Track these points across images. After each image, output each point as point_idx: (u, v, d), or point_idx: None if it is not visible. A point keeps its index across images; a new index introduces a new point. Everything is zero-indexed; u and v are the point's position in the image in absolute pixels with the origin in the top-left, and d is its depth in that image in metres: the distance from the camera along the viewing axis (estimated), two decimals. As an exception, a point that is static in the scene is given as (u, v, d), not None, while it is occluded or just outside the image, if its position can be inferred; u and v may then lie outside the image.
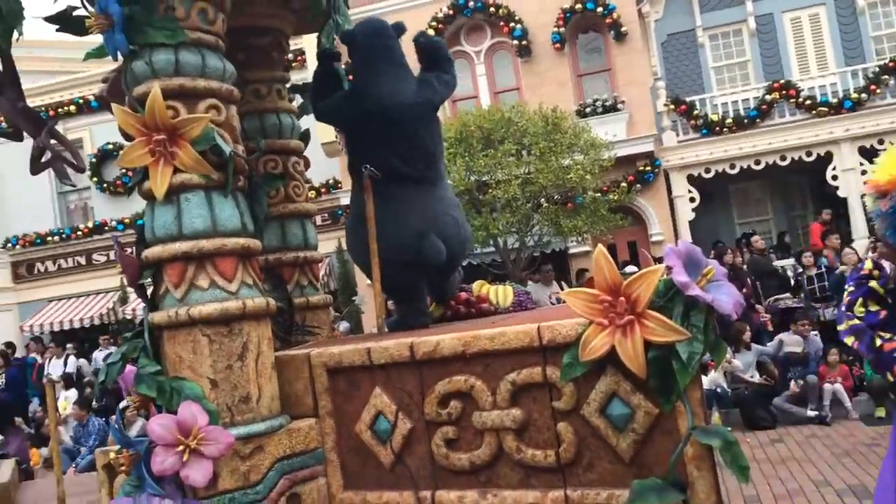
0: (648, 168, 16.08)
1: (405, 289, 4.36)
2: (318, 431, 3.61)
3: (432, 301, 4.64)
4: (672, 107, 16.65)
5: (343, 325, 10.30)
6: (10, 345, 14.70)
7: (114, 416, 9.79)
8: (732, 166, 16.54)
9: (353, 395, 3.56)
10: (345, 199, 16.26)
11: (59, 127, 18.84)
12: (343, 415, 3.58)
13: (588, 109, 16.26)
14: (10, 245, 19.01)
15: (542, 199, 12.84)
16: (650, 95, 16.68)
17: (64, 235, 18.90)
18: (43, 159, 4.40)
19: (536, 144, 12.54)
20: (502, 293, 4.73)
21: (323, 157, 15.22)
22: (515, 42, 16.60)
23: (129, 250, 3.80)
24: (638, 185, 15.65)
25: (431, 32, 16.71)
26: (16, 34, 3.87)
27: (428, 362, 3.33)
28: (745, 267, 11.83)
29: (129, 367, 3.56)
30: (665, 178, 16.46)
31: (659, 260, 3.89)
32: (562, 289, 9.97)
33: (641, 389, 2.87)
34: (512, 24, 16.55)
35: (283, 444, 3.48)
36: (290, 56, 5.34)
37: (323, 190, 17.47)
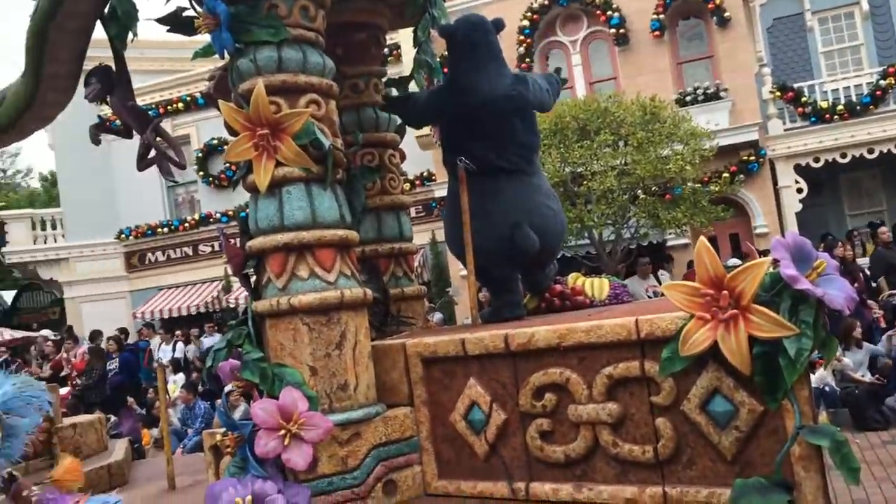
0: (753, 158, 15.47)
1: (499, 280, 4.36)
2: (414, 420, 3.66)
3: (527, 293, 4.62)
4: (778, 94, 15.96)
5: (437, 316, 10.39)
6: (123, 330, 15.54)
7: (219, 400, 10.21)
8: (843, 155, 15.73)
9: (447, 384, 3.59)
10: (439, 192, 16.37)
11: (168, 124, 19.74)
12: (437, 404, 3.62)
13: (688, 98, 15.78)
14: (123, 236, 20.06)
15: (640, 191, 12.55)
16: (755, 82, 16.04)
17: (172, 227, 19.80)
18: (149, 156, 4.61)
19: (634, 135, 12.27)
20: (598, 286, 4.66)
21: (417, 149, 15.37)
22: (612, 30, 16.28)
23: (234, 241, 3.95)
24: (741, 176, 15.07)
25: (526, 24, 16.60)
26: (130, 35, 4.06)
27: (522, 354, 3.32)
28: (867, 259, 11.21)
29: (225, 362, 3.68)
30: (770, 168, 15.81)
31: (764, 253, 3.75)
32: (659, 282, 9.74)
33: (745, 386, 2.78)
34: (609, 13, 16.23)
35: (379, 431, 3.55)
36: (386, 51, 5.41)
37: (417, 182, 17.65)
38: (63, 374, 13.00)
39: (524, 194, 4.24)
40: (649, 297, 8.79)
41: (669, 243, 15.22)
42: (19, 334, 19.25)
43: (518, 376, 3.34)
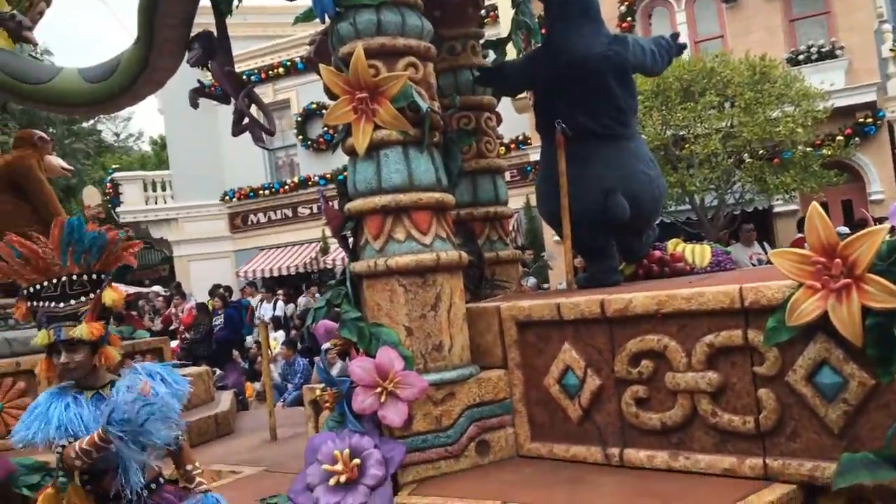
0: (870, 120, 14.57)
1: (594, 246, 4.30)
2: (507, 382, 3.68)
3: (623, 259, 4.55)
4: (899, 52, 14.96)
5: (531, 281, 10.35)
6: (227, 288, 16.22)
7: (317, 357, 10.53)
8: (970, 117, 14.65)
9: (541, 348, 3.58)
10: (534, 156, 16.20)
11: (269, 88, 20.24)
12: (531, 367, 3.62)
13: (801, 57, 14.96)
14: (227, 198, 20.82)
15: (746, 154, 12.06)
16: (874, 40, 15.05)
17: (273, 189, 20.40)
18: (243, 122, 4.72)
19: (741, 96, 11.76)
20: (699, 252, 4.53)
21: (513, 112, 15.21)
22: (719, -13, 15.58)
23: (333, 203, 4.03)
24: (856, 139, 14.24)
25: (628, -19, 16.06)
26: (235, 1, 4.16)
27: (619, 320, 3.27)
28: None
29: (321, 321, 3.78)
30: (889, 131, 14.87)
31: (880, 220, 3.54)
32: (764, 250, 9.38)
33: (856, 358, 2.66)
34: (716, -32, 15.54)
35: (473, 392, 3.59)
36: (483, 12, 5.35)
37: (512, 146, 17.50)
38: (172, 328, 13.70)
39: (619, 160, 4.15)
40: (753, 265, 8.48)
41: (776, 209, 14.61)
42: (132, 290, 20.39)
43: (614, 342, 3.30)
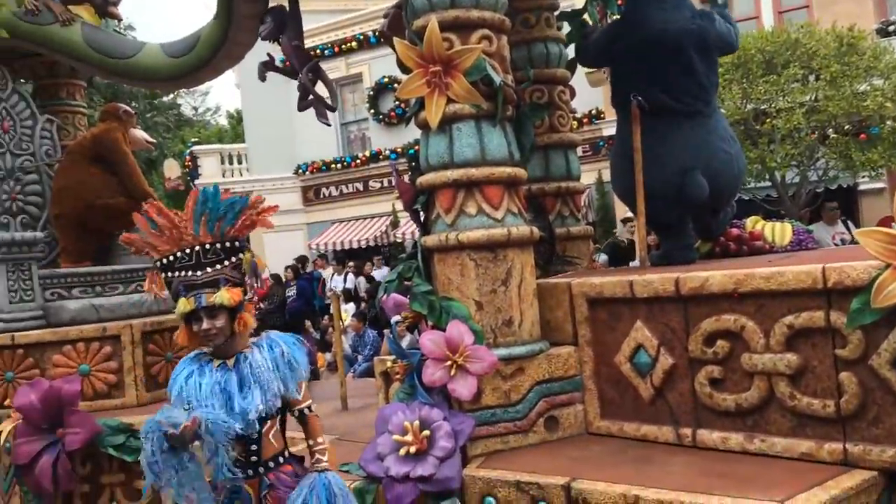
0: (964, 94, 13.81)
1: (670, 224, 4.21)
2: (577, 359, 3.66)
3: (699, 237, 4.44)
4: None
5: (602, 258, 10.23)
6: (301, 259, 16.59)
7: (387, 329, 10.68)
8: None
9: (612, 326, 3.54)
10: (607, 130, 15.94)
11: (342, 62, 20.40)
12: (602, 345, 3.59)
13: (892, 28, 14.23)
14: (300, 171, 21.18)
15: (830, 130, 11.58)
16: (975, 8, 14.21)
17: (345, 163, 20.64)
18: (308, 98, 4.76)
19: (827, 68, 11.26)
20: (779, 231, 4.39)
21: (586, 86, 14.96)
22: (806, -47, 14.90)
23: (404, 177, 4.05)
24: (949, 114, 13.52)
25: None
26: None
27: (694, 299, 3.21)
28: None
29: (390, 295, 3.81)
30: None
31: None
32: (848, 230, 9.02)
33: (946, 343, 2.55)
34: (803, -67, 14.85)
35: (542, 368, 3.58)
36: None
37: (585, 120, 17.23)
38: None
39: (698, 137, 4.04)
40: (836, 245, 8.18)
41: (862, 187, 14.02)
42: (210, 260, 20.91)
43: (688, 321, 3.23)
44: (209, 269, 2.64)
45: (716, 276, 3.13)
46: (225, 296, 2.61)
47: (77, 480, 4.74)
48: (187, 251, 2.64)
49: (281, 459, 2.76)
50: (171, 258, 2.65)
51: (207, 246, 2.65)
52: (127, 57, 5.70)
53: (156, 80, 5.94)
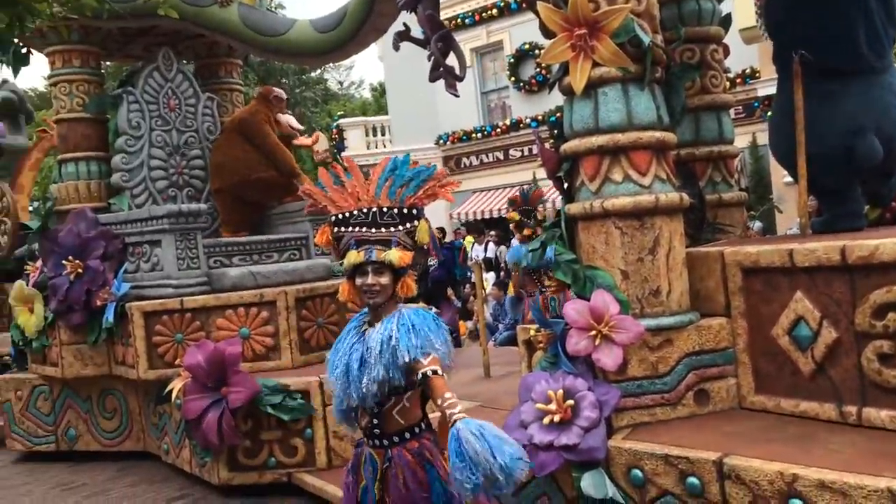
0: None
1: (836, 189, 3.92)
2: (730, 331, 3.50)
3: (867, 203, 4.12)
4: None
5: (756, 225, 9.71)
6: (441, 230, 16.84)
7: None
8: None
9: (769, 297, 3.36)
10: (762, 90, 15.02)
11: (482, 30, 20.34)
12: (757, 316, 3.41)
13: None
14: (441, 141, 21.43)
15: None
16: None
17: (485, 132, 20.69)
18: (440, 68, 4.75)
19: None
20: (961, 196, 4.00)
21: (741, 43, 14.13)
22: None
23: (548, 144, 4.00)
24: None
25: None
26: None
27: (862, 268, 2.98)
28: None
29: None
30: None
31: None
32: None
33: None
34: None
35: (691, 339, 3.46)
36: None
37: (738, 80, 16.31)
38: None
39: (871, 95, 3.71)
40: None
41: None
42: (356, 230, 21.65)
43: (855, 293, 3.02)
44: (384, 230, 2.68)
45: (887, 244, 2.89)
46: (395, 254, 2.63)
47: (239, 436, 5.08)
48: (364, 210, 2.70)
49: (407, 435, 2.67)
50: (347, 214, 2.70)
51: (385, 209, 2.70)
52: (279, 34, 5.95)
53: (306, 56, 6.17)
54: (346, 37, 5.36)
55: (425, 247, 2.83)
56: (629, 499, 3.19)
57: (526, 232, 10.61)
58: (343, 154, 21.71)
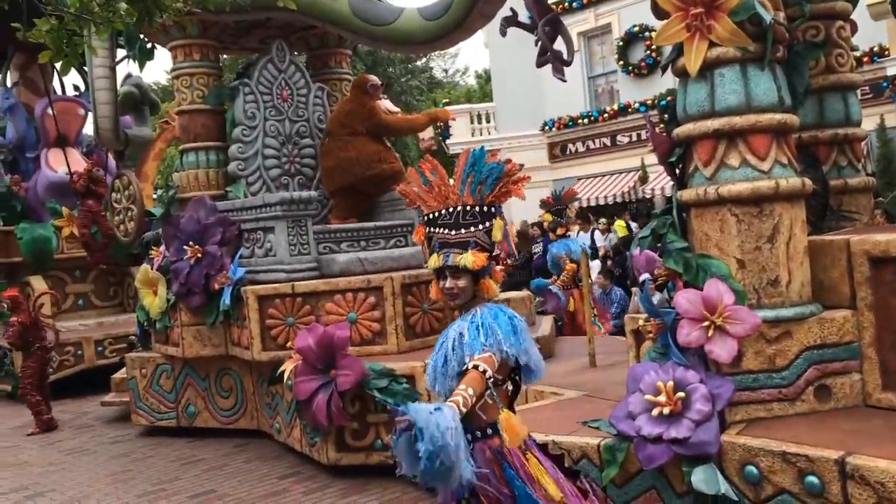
0: None
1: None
2: (855, 324, 3.31)
3: None
4: None
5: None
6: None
7: (633, 288, 10.44)
8: None
9: (900, 289, 3.15)
10: (892, 69, 14.11)
11: (591, 14, 19.96)
12: (886, 309, 3.21)
13: None
14: (547, 128, 21.22)
15: None
16: None
17: (592, 118, 20.33)
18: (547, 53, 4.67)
19: None
20: None
21: (868, 20, 13.29)
22: None
23: (659, 129, 3.88)
24: None
25: None
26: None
27: None
28: None
29: (639, 252, 3.67)
30: None
31: None
32: None
33: None
34: None
35: (813, 332, 3.29)
36: None
37: (865, 59, 15.36)
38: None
39: None
40: None
41: None
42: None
43: None
44: (463, 231, 2.70)
45: None
46: (469, 259, 2.65)
47: (347, 418, 5.21)
48: (450, 210, 2.73)
49: (489, 431, 2.60)
50: (436, 214, 2.76)
51: (468, 207, 2.72)
52: (388, 23, 6.02)
53: (413, 44, 6.21)
54: (453, 24, 5.36)
55: (507, 245, 2.83)
56: (743, 496, 3.07)
57: (559, 231, 10.46)
58: (448, 142, 21.84)
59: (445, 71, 41.06)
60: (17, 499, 5.67)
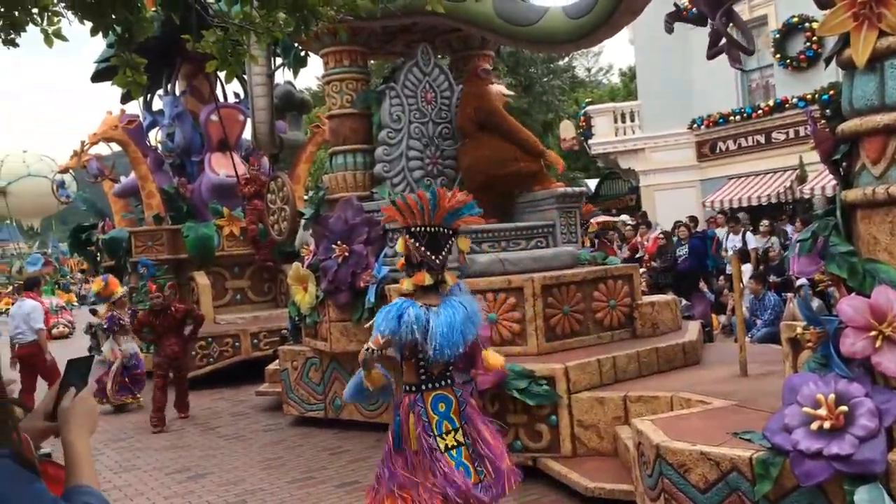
0: None
1: None
2: None
3: None
4: None
5: None
6: (693, 218, 16.05)
7: (788, 293, 9.87)
8: None
9: None
10: None
11: (744, 6, 19.02)
12: None
13: None
14: (695, 126, 20.41)
15: None
16: None
17: (745, 115, 19.34)
18: (719, 44, 4.47)
19: None
20: None
21: None
22: None
23: (821, 125, 3.64)
24: None
25: None
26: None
27: None
28: None
29: (797, 256, 3.46)
30: None
31: None
32: None
33: None
34: None
35: None
36: None
37: None
38: (637, 256, 14.10)
39: None
40: None
41: None
42: (601, 218, 21.47)
43: None
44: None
45: None
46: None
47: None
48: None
49: (406, 388, 3.76)
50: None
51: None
52: (532, 23, 6.00)
53: (556, 44, 6.17)
54: (598, 21, 5.27)
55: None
56: (914, 521, 2.83)
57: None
58: (590, 142, 21.51)
59: (588, 70, 40.45)
60: (181, 479, 6.10)
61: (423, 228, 3.79)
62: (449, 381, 3.80)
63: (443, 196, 3.82)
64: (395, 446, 3.64)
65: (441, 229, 3.82)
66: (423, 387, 3.70)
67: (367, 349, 3.60)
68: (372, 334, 3.62)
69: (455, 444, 3.62)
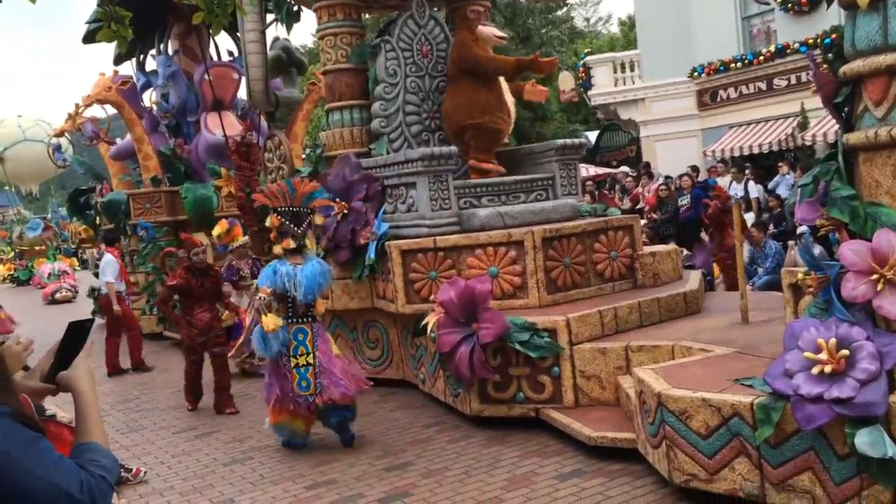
0: None
1: None
2: None
3: None
4: None
5: None
6: (694, 168, 15.95)
7: (790, 241, 9.84)
8: None
9: None
10: None
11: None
12: None
13: None
14: (696, 74, 20.15)
15: None
16: None
17: (746, 61, 19.06)
18: None
19: None
20: None
21: None
22: None
23: (823, 69, 3.58)
24: None
25: None
26: None
27: None
28: None
29: (798, 201, 3.42)
30: None
31: None
32: None
33: None
34: None
35: None
36: None
37: None
38: (639, 207, 14.04)
39: None
40: None
41: None
42: (602, 170, 21.27)
43: None
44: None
45: None
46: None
47: (490, 370, 5.26)
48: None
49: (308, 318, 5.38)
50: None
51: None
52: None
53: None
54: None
55: None
56: (914, 462, 2.85)
57: None
58: (590, 92, 21.28)
59: (587, 20, 39.89)
60: (188, 437, 6.17)
61: (287, 208, 5.33)
62: (308, 319, 5.32)
63: (298, 185, 5.44)
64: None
65: (301, 208, 5.36)
66: (289, 321, 5.25)
67: (260, 298, 5.15)
68: (259, 288, 5.25)
69: (305, 364, 5.20)
